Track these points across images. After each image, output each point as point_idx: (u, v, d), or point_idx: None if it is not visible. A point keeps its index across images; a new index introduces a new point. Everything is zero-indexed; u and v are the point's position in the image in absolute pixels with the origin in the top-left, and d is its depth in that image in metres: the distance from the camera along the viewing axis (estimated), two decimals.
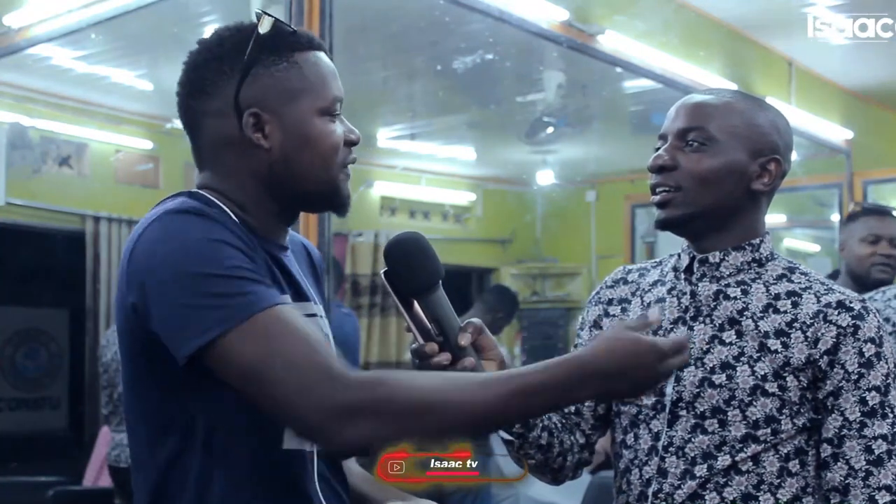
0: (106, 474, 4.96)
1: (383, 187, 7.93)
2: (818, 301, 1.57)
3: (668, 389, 1.61)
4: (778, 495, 1.55)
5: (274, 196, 1.50)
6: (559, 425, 1.73)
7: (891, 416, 1.53)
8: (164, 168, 6.61)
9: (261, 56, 1.46)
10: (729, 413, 1.56)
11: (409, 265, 1.47)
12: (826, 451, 1.55)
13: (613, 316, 1.77)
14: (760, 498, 1.55)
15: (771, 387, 1.55)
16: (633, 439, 1.67)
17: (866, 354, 1.53)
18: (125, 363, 1.45)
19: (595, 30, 4.89)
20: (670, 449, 1.60)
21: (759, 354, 1.56)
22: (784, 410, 1.55)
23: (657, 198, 1.64)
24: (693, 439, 1.58)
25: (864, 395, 1.53)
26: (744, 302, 1.61)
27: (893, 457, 1.52)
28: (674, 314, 1.66)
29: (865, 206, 3.72)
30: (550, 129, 6.40)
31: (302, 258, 1.64)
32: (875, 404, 1.53)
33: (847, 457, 1.53)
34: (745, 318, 1.60)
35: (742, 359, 1.57)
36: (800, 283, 1.62)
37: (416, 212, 8.20)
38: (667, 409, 1.62)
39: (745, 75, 6.22)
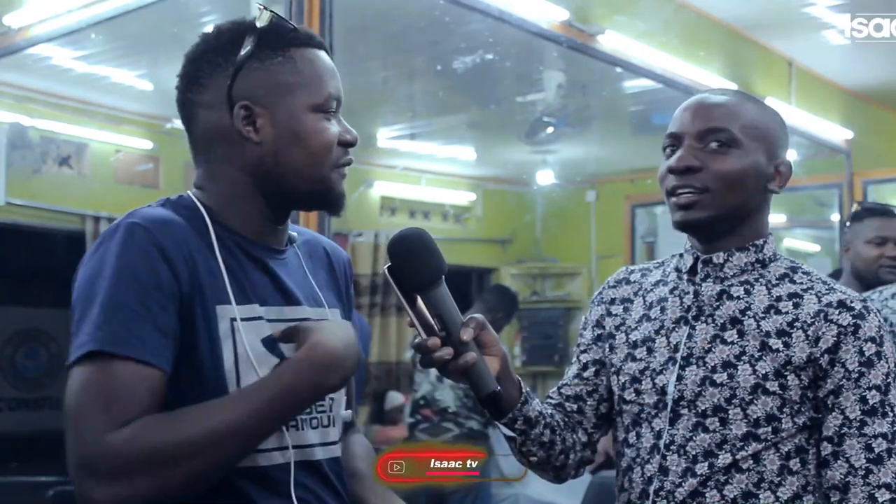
0: None
1: (383, 187, 7.93)
2: (819, 301, 1.58)
3: (670, 388, 1.62)
4: (778, 493, 1.55)
5: (263, 192, 1.49)
6: (561, 423, 1.73)
7: (891, 414, 1.54)
8: (164, 168, 6.61)
9: (257, 50, 1.46)
10: (730, 411, 1.56)
11: (412, 260, 1.47)
12: (826, 449, 1.55)
13: (616, 315, 1.77)
14: (761, 496, 1.55)
15: (772, 385, 1.55)
16: (634, 438, 1.67)
17: (867, 353, 1.54)
18: None
19: (595, 30, 4.90)
20: (672, 447, 1.61)
21: (760, 353, 1.57)
22: (785, 409, 1.55)
23: (681, 199, 1.62)
24: (694, 437, 1.59)
25: (864, 393, 1.53)
26: (746, 302, 1.62)
27: (893, 455, 1.52)
28: (676, 313, 1.66)
29: (868, 206, 3.70)
30: (550, 129, 6.40)
31: (316, 261, 1.63)
32: (875, 403, 1.53)
33: (847, 455, 1.53)
34: (747, 317, 1.60)
35: (743, 358, 1.57)
36: (801, 283, 1.62)
37: (416, 212, 8.20)
38: (668, 408, 1.62)
39: (745, 75, 6.22)
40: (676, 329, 1.65)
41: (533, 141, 6.67)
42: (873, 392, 1.53)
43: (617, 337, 1.75)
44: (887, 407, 1.54)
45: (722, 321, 1.61)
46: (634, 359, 1.69)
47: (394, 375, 7.35)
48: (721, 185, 1.61)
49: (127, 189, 6.48)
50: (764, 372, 1.56)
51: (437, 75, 6.13)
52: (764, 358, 1.56)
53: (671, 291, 1.69)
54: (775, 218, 7.56)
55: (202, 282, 1.40)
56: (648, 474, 1.63)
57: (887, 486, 1.51)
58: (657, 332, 1.68)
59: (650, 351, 1.68)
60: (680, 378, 1.61)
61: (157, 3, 4.15)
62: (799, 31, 6.20)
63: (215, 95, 1.46)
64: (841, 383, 1.54)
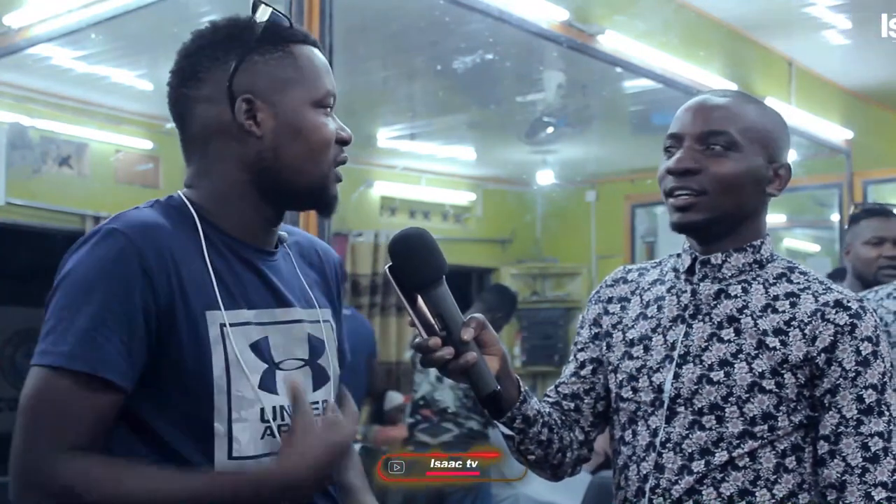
0: None
1: (383, 187, 7.93)
2: (816, 300, 1.58)
3: (667, 386, 1.62)
4: (774, 491, 1.56)
5: (259, 189, 1.48)
6: (559, 422, 1.74)
7: (887, 413, 1.54)
8: (164, 168, 6.61)
9: (256, 44, 1.46)
10: (726, 409, 1.57)
11: (413, 260, 1.47)
12: (823, 448, 1.56)
13: (613, 314, 1.78)
14: (757, 494, 1.56)
15: (768, 384, 1.55)
16: (631, 436, 1.68)
17: (863, 353, 1.54)
18: None
19: (595, 30, 4.90)
20: (668, 445, 1.61)
21: (757, 352, 1.57)
22: (781, 407, 1.55)
23: (679, 201, 1.63)
24: (690, 435, 1.59)
25: (860, 392, 1.54)
26: (744, 300, 1.62)
27: (889, 454, 1.53)
28: (673, 312, 1.67)
29: (867, 206, 3.70)
30: (550, 129, 6.40)
31: (307, 261, 1.63)
32: (872, 402, 1.54)
33: (844, 454, 1.54)
34: (744, 315, 1.61)
35: (740, 356, 1.58)
36: (798, 283, 1.62)
37: (416, 212, 8.20)
38: (665, 406, 1.62)
39: (745, 75, 6.22)
40: (673, 327, 1.66)
41: (533, 141, 6.67)
42: (870, 391, 1.54)
43: (614, 335, 1.75)
44: (883, 406, 1.54)
45: (719, 319, 1.62)
46: (631, 357, 1.70)
47: (394, 375, 7.35)
48: (718, 187, 1.61)
49: (127, 189, 6.47)
50: (760, 370, 1.56)
51: (437, 75, 6.13)
52: (761, 356, 1.57)
53: (668, 290, 1.70)
54: (775, 218, 7.57)
55: (188, 288, 1.39)
56: (645, 472, 1.63)
57: (883, 485, 1.52)
58: (654, 330, 1.68)
59: (647, 349, 1.68)
60: (677, 376, 1.62)
61: (157, 3, 4.15)
62: (799, 31, 6.20)
63: (214, 90, 1.46)
64: (838, 382, 1.54)
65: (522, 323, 8.65)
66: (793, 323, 1.57)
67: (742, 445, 1.56)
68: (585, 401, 1.78)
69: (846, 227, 3.64)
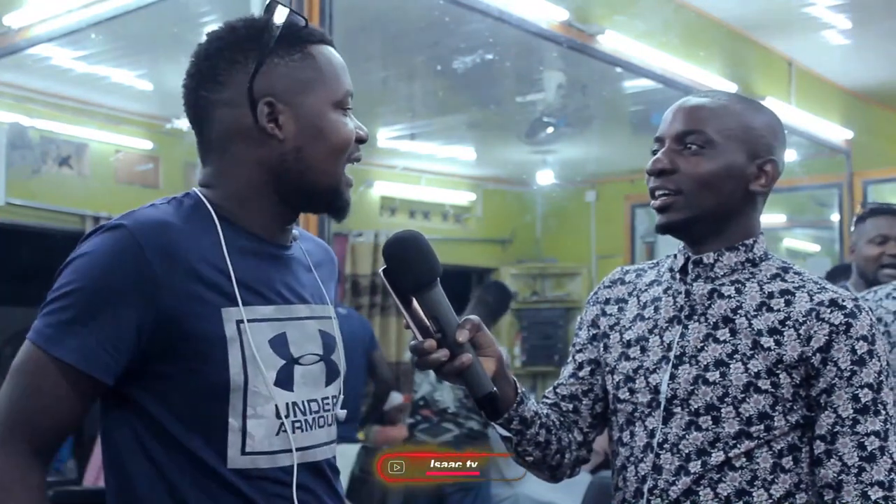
0: None
1: (383, 187, 7.93)
2: (811, 299, 1.58)
3: (663, 387, 1.63)
4: (771, 491, 1.56)
5: (278, 189, 1.48)
6: (557, 423, 1.74)
7: (883, 412, 1.54)
8: (164, 168, 6.62)
9: (275, 46, 1.45)
10: (723, 410, 1.57)
11: (407, 263, 1.47)
12: (819, 447, 1.56)
13: (610, 315, 1.78)
14: (754, 494, 1.56)
15: (764, 384, 1.56)
16: (628, 436, 1.68)
17: (859, 352, 1.54)
18: None
19: (595, 30, 4.90)
20: (665, 445, 1.61)
21: (752, 352, 1.57)
22: (777, 407, 1.56)
23: (657, 202, 1.65)
24: (687, 436, 1.59)
25: (856, 392, 1.54)
26: (738, 301, 1.62)
27: (886, 453, 1.53)
28: (669, 313, 1.67)
29: (872, 206, 3.71)
30: (550, 129, 6.41)
31: (317, 258, 1.64)
32: (867, 401, 1.54)
33: (840, 453, 1.54)
34: (738, 316, 1.61)
35: (736, 356, 1.58)
36: (793, 282, 1.62)
37: (415, 212, 8.20)
38: (661, 407, 1.63)
39: (745, 75, 6.22)
40: (670, 328, 1.66)
41: (533, 141, 6.67)
42: (865, 390, 1.54)
43: (611, 336, 1.75)
44: (879, 405, 1.54)
45: (714, 320, 1.62)
46: (628, 358, 1.70)
47: (394, 376, 7.35)
48: (694, 186, 1.62)
49: (127, 189, 6.48)
50: (756, 370, 1.56)
51: (436, 75, 6.14)
52: (756, 356, 1.57)
53: (665, 291, 1.70)
54: (775, 218, 7.58)
55: (201, 286, 1.39)
56: (642, 473, 1.63)
57: (880, 484, 1.52)
58: (651, 331, 1.69)
59: (644, 350, 1.68)
60: (673, 377, 1.62)
61: (157, 4, 4.15)
62: (799, 31, 6.20)
63: (234, 93, 1.45)
64: (833, 382, 1.54)
65: (522, 323, 8.66)
66: (787, 322, 1.57)
67: (738, 445, 1.56)
68: (584, 402, 1.78)
69: (853, 226, 3.65)
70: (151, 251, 1.36)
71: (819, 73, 7.04)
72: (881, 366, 1.55)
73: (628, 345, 1.71)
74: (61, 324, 1.35)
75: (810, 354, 1.55)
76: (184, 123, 5.56)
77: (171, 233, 1.39)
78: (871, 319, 1.57)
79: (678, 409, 1.61)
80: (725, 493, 1.56)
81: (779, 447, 1.57)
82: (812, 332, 1.55)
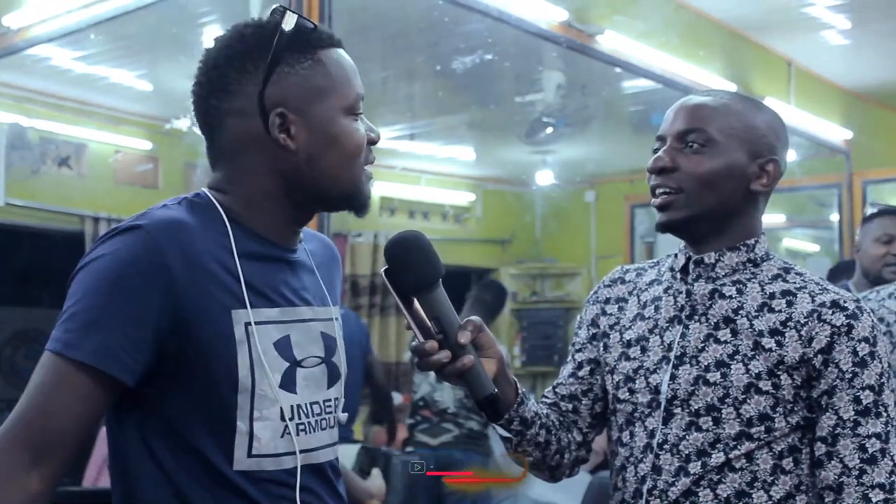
0: (106, 474, 4.96)
1: (383, 187, 7.92)
2: (813, 300, 1.58)
3: (664, 387, 1.62)
4: (771, 492, 1.55)
5: (291, 196, 1.48)
6: (556, 423, 1.74)
7: (884, 414, 1.54)
8: (163, 168, 6.61)
9: (285, 53, 1.44)
10: (723, 411, 1.57)
11: (409, 263, 1.47)
12: (820, 449, 1.56)
13: (610, 315, 1.78)
14: (754, 495, 1.55)
15: (765, 385, 1.55)
16: (628, 437, 1.67)
17: (860, 354, 1.53)
18: None
19: (594, 30, 4.89)
20: (665, 446, 1.61)
21: (753, 353, 1.57)
22: (778, 408, 1.55)
23: (658, 200, 1.65)
24: (687, 437, 1.59)
25: (858, 393, 1.53)
26: (739, 301, 1.62)
27: (887, 455, 1.52)
28: (670, 312, 1.67)
29: (881, 207, 3.73)
30: (550, 130, 6.41)
31: (321, 259, 1.63)
32: (869, 403, 1.53)
33: (841, 455, 1.53)
34: (739, 316, 1.60)
35: (736, 357, 1.58)
36: (795, 282, 1.62)
37: (415, 212, 8.20)
38: (662, 407, 1.62)
39: (744, 75, 6.22)
40: (670, 328, 1.65)
41: (532, 141, 6.67)
42: (867, 392, 1.53)
43: (611, 336, 1.75)
44: (881, 407, 1.54)
45: (715, 320, 1.62)
46: (628, 358, 1.70)
47: (393, 376, 7.36)
48: (694, 185, 1.61)
49: (126, 189, 6.48)
50: (757, 371, 1.56)
51: (436, 76, 6.14)
52: (757, 357, 1.56)
53: (665, 291, 1.70)
54: (775, 218, 7.57)
55: (214, 287, 1.39)
56: (642, 473, 1.63)
57: (881, 487, 1.51)
58: (651, 331, 1.68)
59: (644, 350, 1.68)
60: (673, 377, 1.61)
61: (157, 4, 4.15)
62: (798, 31, 6.20)
63: (245, 103, 1.43)
64: (835, 383, 1.54)
65: (522, 323, 8.66)
66: (789, 323, 1.57)
67: (739, 447, 1.56)
68: (583, 402, 1.78)
69: (860, 226, 3.66)
70: (171, 252, 1.36)
71: (818, 74, 7.04)
72: (882, 367, 1.55)
73: (628, 344, 1.71)
74: (80, 327, 1.33)
75: (812, 356, 1.54)
76: (183, 124, 5.58)
77: (187, 234, 1.39)
78: (872, 321, 1.57)
79: (678, 410, 1.60)
80: (725, 495, 1.56)
81: (779, 448, 1.56)
82: (813, 333, 1.55)
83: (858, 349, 1.53)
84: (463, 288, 8.48)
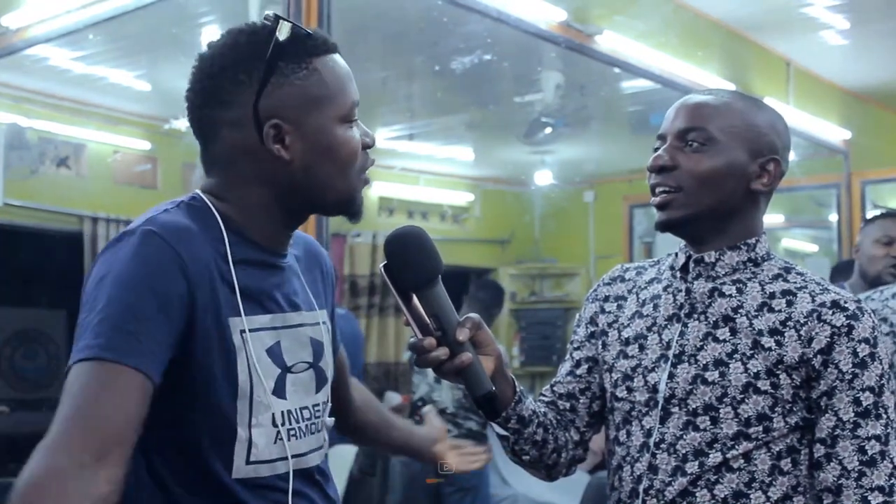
0: None
1: (381, 188, 7.92)
2: (813, 300, 1.57)
3: (661, 386, 1.62)
4: (769, 493, 1.55)
5: (286, 204, 1.48)
6: (554, 422, 1.73)
7: (884, 416, 1.53)
8: (162, 169, 6.61)
9: (279, 63, 1.42)
10: (721, 410, 1.56)
11: (408, 259, 1.46)
12: (819, 451, 1.55)
13: (609, 313, 1.77)
14: (751, 496, 1.55)
15: (763, 384, 1.54)
16: (625, 436, 1.67)
17: (860, 355, 1.53)
18: None
19: (593, 30, 4.89)
20: (662, 445, 1.60)
21: (752, 352, 1.56)
22: (776, 409, 1.54)
23: (657, 199, 1.64)
24: (685, 436, 1.58)
25: (857, 395, 1.52)
26: (739, 300, 1.61)
27: (886, 457, 1.52)
28: (669, 311, 1.66)
29: (883, 209, 3.75)
30: (549, 130, 6.41)
31: (308, 263, 1.63)
32: (869, 405, 1.52)
33: (840, 457, 1.53)
34: (739, 315, 1.60)
35: (735, 356, 1.57)
36: (795, 282, 1.61)
37: (414, 212, 8.20)
38: (659, 406, 1.61)
39: (743, 75, 6.23)
40: (669, 326, 1.65)
41: (531, 141, 6.67)
42: (867, 394, 1.52)
43: (610, 334, 1.74)
44: (881, 409, 1.53)
45: (714, 319, 1.61)
46: (626, 356, 1.69)
47: (392, 376, 7.36)
48: (694, 183, 1.61)
49: (125, 190, 6.48)
50: (756, 371, 1.55)
51: (435, 76, 6.14)
52: (756, 356, 1.56)
53: (665, 289, 1.69)
54: (773, 218, 7.58)
55: (218, 292, 1.39)
56: (638, 473, 1.62)
57: (880, 489, 1.50)
58: (649, 329, 1.68)
59: (642, 348, 1.67)
60: (671, 376, 1.61)
61: (156, 4, 4.15)
62: (797, 31, 6.20)
63: (240, 113, 1.43)
64: (834, 384, 1.53)
65: (521, 323, 8.66)
66: (788, 323, 1.56)
67: (736, 447, 1.55)
68: (581, 400, 1.77)
69: (861, 228, 3.67)
70: (186, 256, 1.36)
71: (817, 74, 7.04)
72: (882, 369, 1.54)
73: (627, 343, 1.70)
74: (113, 333, 1.28)
75: (811, 356, 1.53)
76: (182, 124, 5.58)
77: (195, 239, 1.39)
78: (873, 322, 1.56)
79: (676, 409, 1.59)
80: (722, 495, 1.55)
81: (777, 449, 1.55)
82: (813, 333, 1.54)
83: (859, 350, 1.52)
84: (462, 288, 8.50)
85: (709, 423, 1.57)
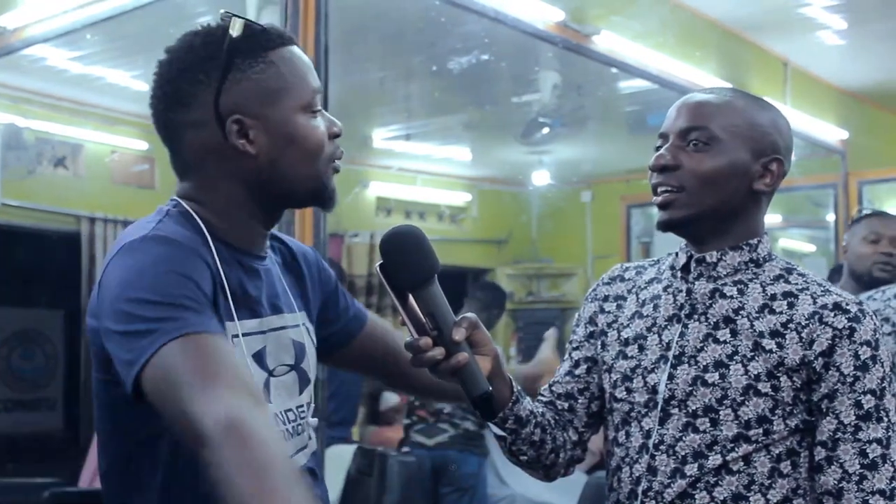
0: None
1: (379, 188, 7.93)
2: (814, 302, 1.56)
3: (661, 387, 1.61)
4: (769, 496, 1.54)
5: (259, 200, 1.48)
6: (552, 422, 1.73)
7: (885, 419, 1.52)
8: (159, 169, 6.60)
9: (235, 59, 1.43)
10: (721, 412, 1.55)
11: (404, 258, 1.46)
12: (820, 454, 1.54)
13: (609, 312, 1.76)
14: (751, 498, 1.54)
15: (764, 387, 1.54)
16: (624, 437, 1.66)
17: (862, 357, 1.52)
18: (94, 381, 1.45)
19: (590, 30, 4.89)
20: (661, 447, 1.59)
21: (753, 354, 1.55)
22: (777, 411, 1.54)
23: (659, 198, 1.63)
24: (684, 438, 1.57)
25: (859, 398, 1.52)
26: (740, 301, 1.60)
27: (888, 461, 1.51)
28: (669, 311, 1.65)
29: (868, 209, 3.76)
30: (546, 130, 6.41)
31: (286, 264, 1.63)
32: (870, 408, 1.52)
33: (841, 460, 1.52)
34: (740, 317, 1.59)
35: (736, 358, 1.56)
36: (797, 283, 1.60)
37: (411, 212, 8.20)
38: (658, 407, 1.61)
39: (740, 76, 6.22)
40: (669, 327, 1.64)
41: (528, 141, 6.67)
42: (868, 396, 1.52)
43: (609, 334, 1.74)
44: (882, 412, 1.52)
45: (715, 320, 1.60)
46: (626, 356, 1.68)
47: None
48: (696, 183, 1.60)
49: (122, 190, 6.47)
50: (756, 373, 1.54)
51: (432, 76, 6.14)
52: (756, 358, 1.55)
53: (665, 289, 1.68)
54: (771, 218, 7.57)
55: (218, 296, 1.40)
56: (637, 474, 1.62)
57: (881, 493, 1.50)
58: (649, 329, 1.67)
59: (642, 349, 1.66)
60: (671, 377, 1.60)
61: (153, 4, 4.14)
62: (794, 31, 6.20)
63: (202, 113, 1.43)
64: (836, 387, 1.52)
65: (518, 323, 8.66)
66: (790, 325, 1.55)
67: (736, 449, 1.54)
68: (579, 400, 1.76)
69: (848, 228, 3.67)
70: (203, 255, 1.37)
71: (814, 74, 7.04)
72: (884, 371, 1.53)
73: (626, 343, 1.70)
74: (180, 312, 1.27)
75: (812, 358, 1.53)
76: None
77: (195, 246, 1.39)
78: (874, 324, 1.55)
79: (675, 410, 1.59)
80: (722, 498, 1.54)
81: (777, 451, 1.55)
82: (815, 335, 1.53)
83: (860, 353, 1.52)
84: (459, 288, 8.50)
85: (708, 424, 1.56)
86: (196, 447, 1.16)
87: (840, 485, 1.52)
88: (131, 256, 1.34)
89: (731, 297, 1.61)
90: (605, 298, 1.79)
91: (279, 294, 1.54)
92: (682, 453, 1.57)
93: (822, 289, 1.59)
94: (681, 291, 1.65)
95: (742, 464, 1.55)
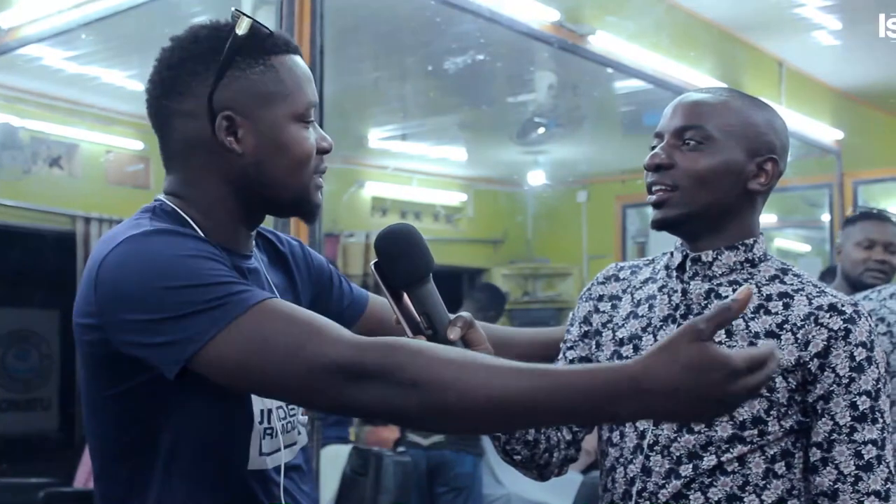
0: None
1: (374, 188, 7.93)
2: (810, 303, 1.56)
3: None
4: (763, 497, 1.54)
5: (241, 200, 1.48)
6: None
7: (881, 420, 1.52)
8: (154, 169, 6.60)
9: (237, 58, 1.43)
10: None
11: (398, 257, 1.45)
12: (815, 455, 1.54)
13: (603, 312, 1.76)
14: (745, 499, 1.54)
15: None
16: (618, 437, 1.66)
17: (857, 359, 1.52)
18: (85, 381, 1.44)
19: (586, 30, 4.90)
20: (655, 448, 1.59)
21: None
22: (772, 412, 1.54)
23: (654, 197, 1.63)
24: (679, 438, 1.57)
25: (854, 399, 1.52)
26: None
27: (883, 462, 1.51)
28: (664, 311, 1.65)
29: (863, 210, 3.74)
30: (541, 130, 6.41)
31: (272, 262, 1.63)
32: (865, 409, 1.52)
33: (836, 461, 1.52)
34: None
35: None
36: (792, 284, 1.60)
37: (407, 212, 8.20)
38: None
39: (735, 76, 6.23)
40: (664, 327, 1.64)
41: (524, 141, 6.67)
42: (863, 398, 1.52)
43: (604, 334, 1.73)
44: (877, 413, 1.52)
45: None
46: (621, 357, 1.68)
47: None
48: (690, 182, 1.60)
49: (118, 190, 6.47)
50: None
51: (428, 76, 6.14)
52: None
53: (660, 289, 1.68)
54: (766, 218, 7.56)
55: None
56: (631, 475, 1.61)
57: (876, 494, 1.50)
58: (644, 329, 1.66)
59: (637, 349, 1.66)
60: None
61: (148, 4, 4.14)
62: (789, 31, 6.21)
63: (195, 104, 1.44)
64: (831, 389, 1.52)
65: (514, 323, 8.65)
66: (785, 326, 1.55)
67: (731, 450, 1.54)
68: None
69: (842, 228, 3.66)
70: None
71: (809, 74, 7.05)
72: (879, 373, 1.54)
73: (621, 343, 1.69)
74: (232, 288, 1.28)
75: (808, 359, 1.53)
76: None
77: (181, 231, 1.41)
78: (870, 325, 1.55)
79: None
80: (716, 498, 1.54)
81: (772, 452, 1.55)
82: (810, 336, 1.53)
83: (856, 354, 1.52)
84: (455, 288, 8.50)
85: (703, 425, 1.56)
86: (358, 384, 1.21)
87: (835, 486, 1.52)
88: (143, 249, 1.33)
89: (727, 297, 1.60)
90: (600, 298, 1.78)
91: (266, 290, 1.54)
92: (677, 454, 1.57)
93: (817, 290, 1.59)
94: (676, 291, 1.65)
95: (737, 464, 1.54)
